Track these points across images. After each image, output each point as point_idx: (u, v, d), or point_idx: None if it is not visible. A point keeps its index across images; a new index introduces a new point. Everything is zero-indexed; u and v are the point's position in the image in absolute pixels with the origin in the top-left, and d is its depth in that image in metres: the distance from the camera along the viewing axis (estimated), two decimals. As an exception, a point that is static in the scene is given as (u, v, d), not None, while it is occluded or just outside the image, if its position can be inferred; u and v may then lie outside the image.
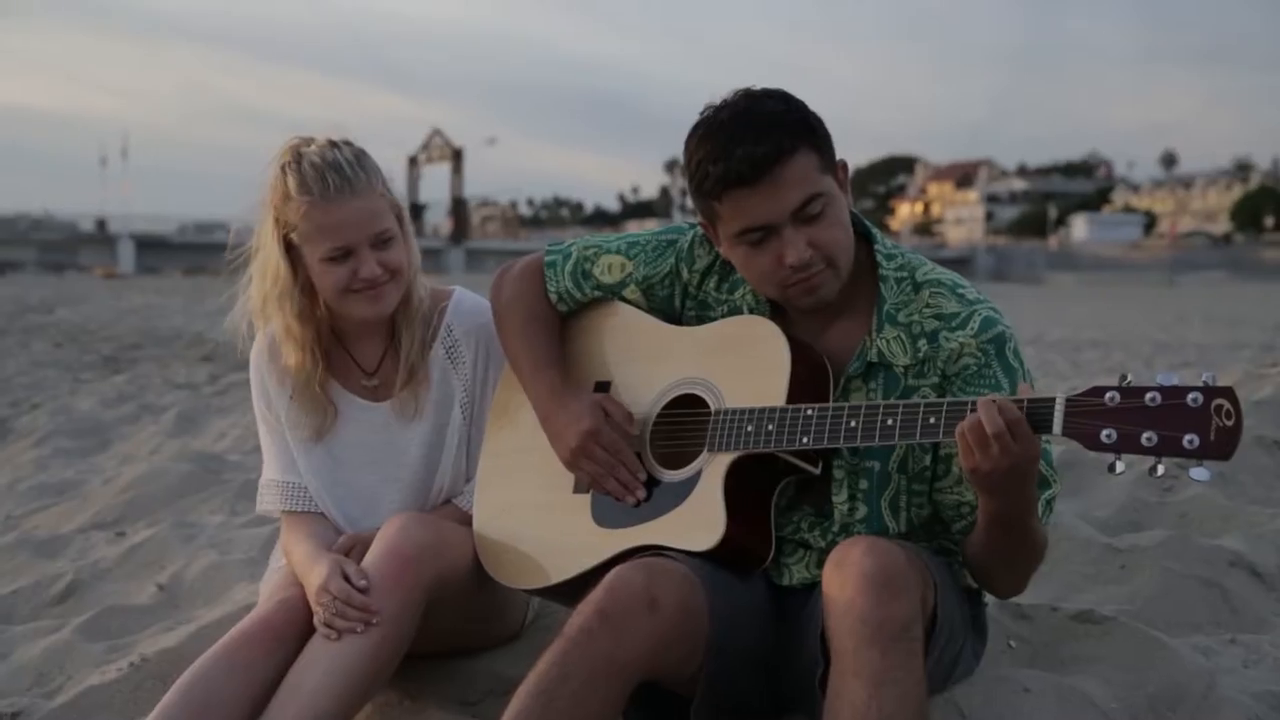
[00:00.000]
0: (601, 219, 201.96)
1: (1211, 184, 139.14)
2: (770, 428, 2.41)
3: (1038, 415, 2.12)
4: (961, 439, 2.16)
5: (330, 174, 2.76)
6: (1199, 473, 1.99)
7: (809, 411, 2.38)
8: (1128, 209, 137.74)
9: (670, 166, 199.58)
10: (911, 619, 2.20)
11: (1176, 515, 4.16)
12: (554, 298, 2.82)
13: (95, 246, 69.91)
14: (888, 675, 2.16)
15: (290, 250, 2.84)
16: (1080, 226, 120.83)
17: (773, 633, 2.52)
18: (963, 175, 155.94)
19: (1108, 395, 2.04)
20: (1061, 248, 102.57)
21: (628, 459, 2.59)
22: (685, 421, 2.61)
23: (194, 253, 73.85)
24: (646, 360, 2.70)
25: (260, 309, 2.91)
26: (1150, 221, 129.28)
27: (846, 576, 2.22)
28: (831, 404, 2.43)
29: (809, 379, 2.47)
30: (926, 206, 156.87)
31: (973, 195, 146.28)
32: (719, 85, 2.51)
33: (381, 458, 2.99)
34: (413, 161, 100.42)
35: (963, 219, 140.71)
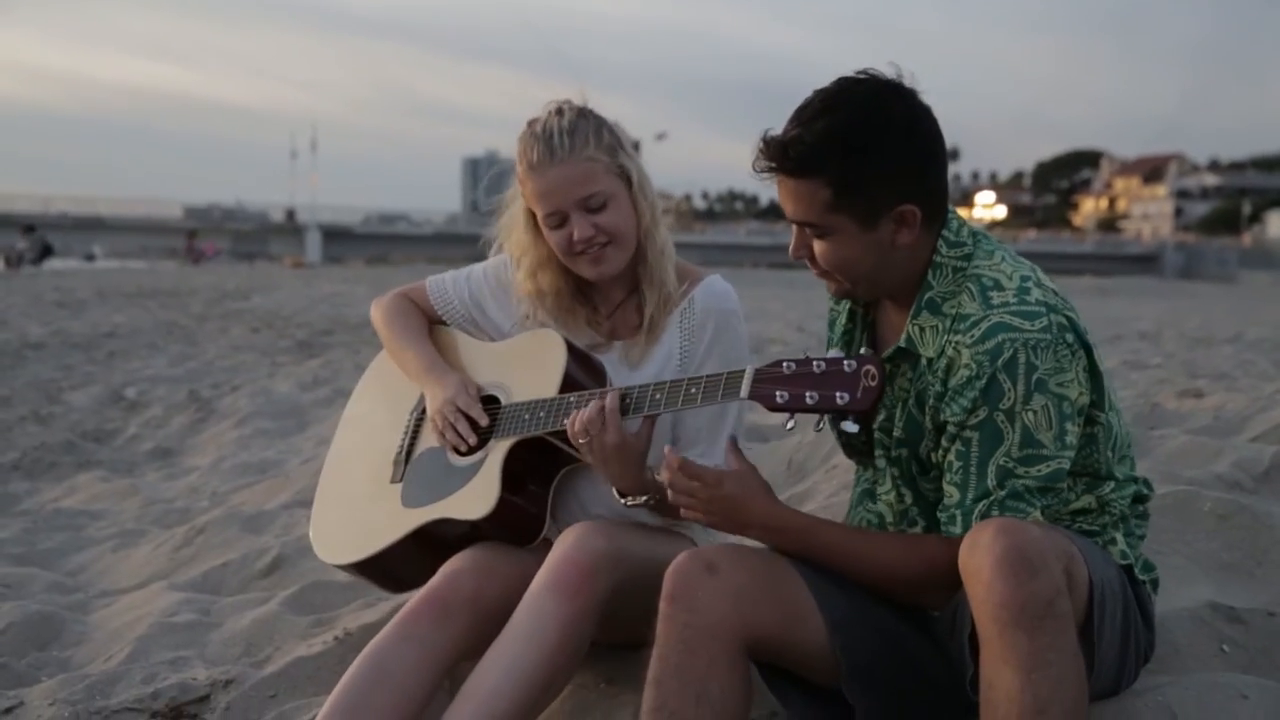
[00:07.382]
0: (775, 213, 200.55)
1: None
2: (541, 414, 2.81)
3: (731, 384, 2.44)
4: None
5: (539, 144, 2.89)
6: (849, 425, 2.30)
7: (572, 398, 2.76)
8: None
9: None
10: (1055, 594, 2.11)
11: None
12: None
13: (284, 236, 71.59)
14: (1039, 657, 2.09)
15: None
16: (1277, 223, 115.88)
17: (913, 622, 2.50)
18: (1151, 169, 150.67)
19: (785, 365, 2.35)
20: (1256, 245, 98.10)
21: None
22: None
23: (376, 243, 75.41)
24: (462, 371, 3.09)
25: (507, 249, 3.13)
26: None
27: (981, 563, 2.13)
28: (606, 390, 2.74)
29: (585, 374, 2.87)
30: (1112, 202, 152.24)
31: (1161, 190, 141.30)
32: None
33: None
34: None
35: (1150, 215, 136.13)
